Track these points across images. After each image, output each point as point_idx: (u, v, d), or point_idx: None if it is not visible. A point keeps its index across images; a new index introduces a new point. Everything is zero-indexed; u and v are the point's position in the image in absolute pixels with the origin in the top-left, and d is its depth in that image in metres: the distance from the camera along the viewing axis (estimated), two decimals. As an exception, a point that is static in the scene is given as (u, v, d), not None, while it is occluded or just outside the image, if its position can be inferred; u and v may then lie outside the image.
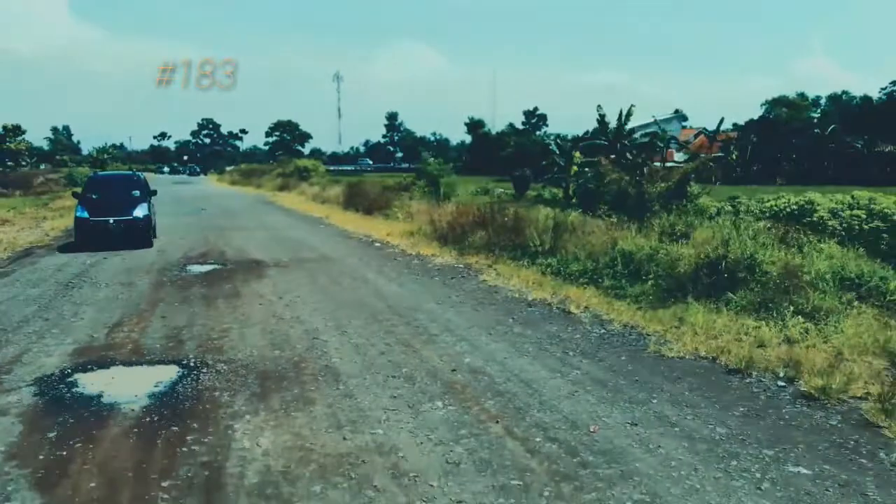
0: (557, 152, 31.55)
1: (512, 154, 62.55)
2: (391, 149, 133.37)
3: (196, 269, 13.36)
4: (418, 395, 6.12)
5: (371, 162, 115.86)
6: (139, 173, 22.21)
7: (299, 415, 5.67)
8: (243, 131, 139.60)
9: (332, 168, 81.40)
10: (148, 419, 5.60)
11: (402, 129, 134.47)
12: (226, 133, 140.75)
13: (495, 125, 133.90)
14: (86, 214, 16.56)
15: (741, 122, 63.43)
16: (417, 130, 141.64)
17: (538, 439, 5.17)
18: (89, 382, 6.52)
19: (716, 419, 5.59)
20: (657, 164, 28.88)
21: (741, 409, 5.84)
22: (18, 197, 38.02)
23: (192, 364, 7.07)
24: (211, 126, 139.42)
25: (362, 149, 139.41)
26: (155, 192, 18.76)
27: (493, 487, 4.43)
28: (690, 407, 5.86)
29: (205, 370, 6.86)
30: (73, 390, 6.30)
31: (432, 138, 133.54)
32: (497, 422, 5.51)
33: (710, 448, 5.05)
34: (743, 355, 7.04)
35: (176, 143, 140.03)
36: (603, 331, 8.38)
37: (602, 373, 6.78)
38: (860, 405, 5.86)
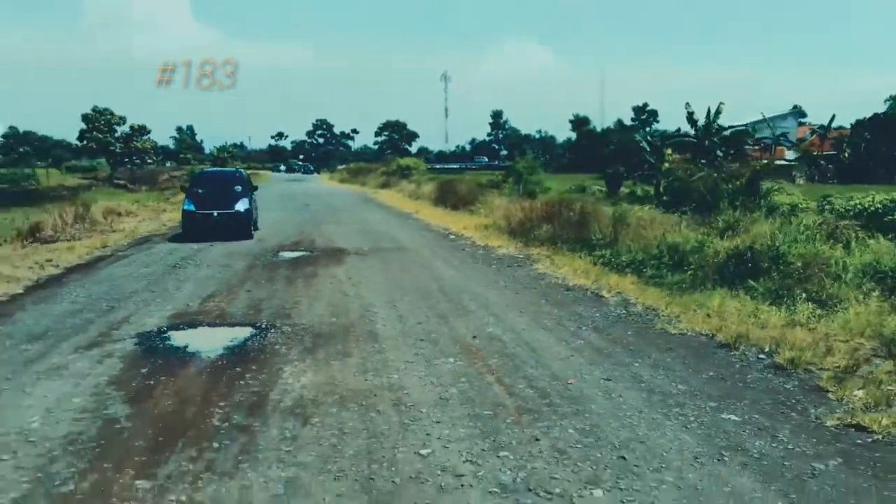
0: (648, 150, 31.86)
1: (613, 151, 62.37)
2: (496, 147, 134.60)
3: (286, 255, 15.10)
4: (437, 353, 7.38)
5: (487, 159, 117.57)
6: (241, 170, 24.33)
7: (336, 363, 7.05)
8: (354, 131, 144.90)
9: (437, 166, 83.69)
10: (219, 363, 7.14)
11: (506, 127, 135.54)
12: (338, 133, 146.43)
13: (604, 122, 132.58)
14: (192, 207, 18.49)
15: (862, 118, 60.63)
16: (523, 128, 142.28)
17: (520, 386, 6.33)
18: (179, 337, 8.17)
19: (681, 379, 6.55)
20: (763, 160, 28.69)
21: (710, 373, 6.76)
22: (144, 192, 41.84)
23: (263, 326, 8.61)
24: (325, 126, 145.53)
25: (468, 147, 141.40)
26: (256, 188, 20.72)
27: (468, 415, 5.64)
28: (665, 370, 6.84)
29: (272, 331, 8.38)
30: (166, 343, 7.95)
31: (537, 136, 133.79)
32: (492, 374, 6.70)
33: (663, 399, 6.05)
34: (737, 332, 7.86)
35: (292, 142, 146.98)
36: (624, 312, 9.34)
37: (603, 343, 7.82)
38: (822, 374, 6.64)
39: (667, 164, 28.03)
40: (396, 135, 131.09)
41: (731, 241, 11.69)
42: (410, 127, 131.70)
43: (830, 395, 6.14)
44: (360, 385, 6.37)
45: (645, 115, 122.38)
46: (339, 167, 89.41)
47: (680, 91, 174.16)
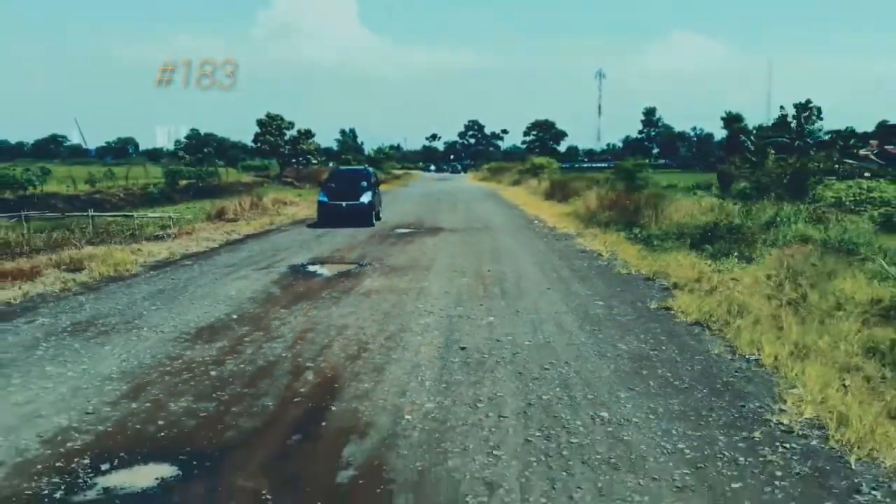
0: (752, 149, 34.80)
1: (728, 149, 63.78)
2: (647, 145, 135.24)
3: (398, 231, 20.58)
4: (458, 276, 12.43)
5: (632, 158, 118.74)
6: (370, 169, 29.03)
7: (396, 279, 12.29)
8: (504, 131, 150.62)
9: (576, 165, 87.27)
10: (331, 277, 12.59)
11: (659, 124, 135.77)
12: (489, 133, 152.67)
13: (769, 118, 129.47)
14: (326, 199, 23.41)
15: None
16: (678, 125, 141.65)
17: (494, 290, 11.23)
18: (312, 267, 13.74)
19: (594, 290, 11.17)
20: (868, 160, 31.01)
21: (616, 289, 11.30)
22: (307, 188, 49.38)
23: (363, 264, 14.02)
24: (476, 127, 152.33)
25: (619, 145, 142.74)
26: (379, 183, 26.10)
27: (454, 297, 10.62)
28: (591, 287, 11.46)
29: (367, 266, 13.77)
30: (304, 269, 13.54)
31: (692, 133, 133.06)
32: (482, 285, 11.68)
33: (573, 296, 10.73)
34: (660, 272, 12.28)
35: (445, 143, 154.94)
36: (605, 263, 13.90)
37: (569, 275, 12.53)
38: (681, 288, 11.04)
39: (769, 163, 31.17)
40: (545, 134, 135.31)
41: (710, 216, 15.72)
42: (562, 126, 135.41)
43: (670, 297, 10.47)
44: (404, 286, 11.55)
45: (807, 112, 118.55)
46: (485, 167, 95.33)
47: (860, 84, 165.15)
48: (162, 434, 5.36)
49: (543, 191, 36.16)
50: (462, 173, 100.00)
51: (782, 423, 5.41)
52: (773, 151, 32.21)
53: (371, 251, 15.99)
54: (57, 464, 4.80)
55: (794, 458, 4.83)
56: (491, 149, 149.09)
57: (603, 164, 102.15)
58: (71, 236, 17.68)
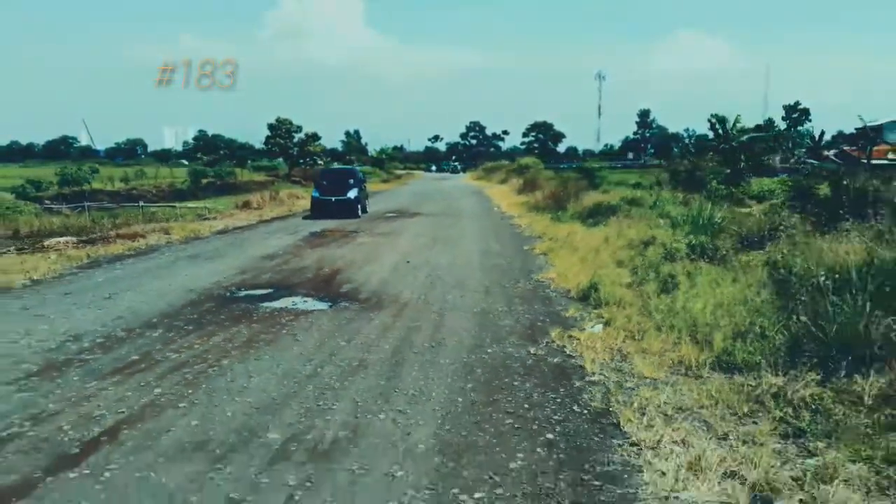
0: (693, 151, 41.92)
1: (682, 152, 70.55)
2: (644, 146, 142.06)
3: (387, 215, 27.90)
4: (420, 237, 19.73)
5: (631, 158, 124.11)
6: (356, 167, 34.36)
7: (378, 238, 19.66)
8: (505, 132, 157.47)
9: (562, 165, 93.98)
10: (336, 237, 19.96)
11: (654, 125, 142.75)
12: (490, 134, 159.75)
13: (763, 119, 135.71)
14: (318, 194, 28.70)
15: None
16: (676, 126, 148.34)
17: (440, 243, 18.57)
18: (323, 232, 21.15)
19: (502, 242, 18.42)
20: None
21: (515, 241, 18.66)
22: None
23: (357, 231, 21.43)
24: (477, 128, 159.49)
25: (617, 146, 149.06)
26: (365, 179, 32.22)
27: (412, 246, 18.03)
28: (500, 240, 18.71)
29: (360, 232, 21.15)
30: (318, 234, 20.91)
31: (685, 134, 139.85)
32: (433, 241, 19.01)
33: (487, 243, 18.11)
34: (546, 233, 19.60)
35: (447, 144, 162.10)
36: (518, 231, 21.22)
37: (492, 234, 19.89)
38: (539, 237, 18.39)
39: (700, 162, 38.13)
40: (543, 135, 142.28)
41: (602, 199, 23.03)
42: (562, 127, 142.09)
43: (538, 242, 17.76)
44: (381, 241, 18.80)
45: (797, 113, 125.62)
46: (481, 167, 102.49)
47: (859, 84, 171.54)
48: (261, 282, 12.60)
49: (517, 187, 43.36)
50: (461, 173, 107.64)
51: (537, 278, 12.72)
52: (711, 152, 39.38)
53: (364, 226, 23.35)
54: (219, 290, 11.96)
55: (531, 286, 12.06)
56: (492, 149, 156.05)
57: (596, 165, 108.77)
58: (131, 219, 24.90)
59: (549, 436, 5.56)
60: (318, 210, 27.27)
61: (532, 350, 8.07)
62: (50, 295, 11.21)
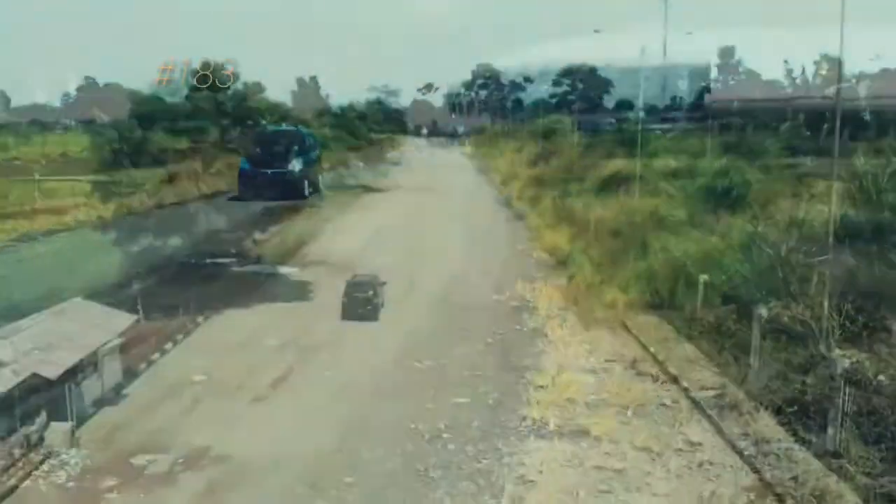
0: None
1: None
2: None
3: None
4: (415, 193, 19.35)
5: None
6: (304, 130, 26.83)
7: (367, 201, 18.91)
8: (527, 79, 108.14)
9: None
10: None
11: (740, 69, 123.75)
12: (506, 83, 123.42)
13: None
14: (247, 166, 23.62)
15: None
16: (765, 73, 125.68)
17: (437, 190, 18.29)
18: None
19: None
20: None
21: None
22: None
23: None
24: (488, 74, 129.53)
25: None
26: (318, 147, 29.12)
27: (411, 199, 17.70)
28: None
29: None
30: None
31: (785, 83, 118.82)
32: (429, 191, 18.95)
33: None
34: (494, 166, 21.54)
35: (445, 96, 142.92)
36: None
37: (481, 183, 20.47)
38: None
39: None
40: (583, 83, 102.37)
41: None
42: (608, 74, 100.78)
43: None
44: (371, 200, 18.31)
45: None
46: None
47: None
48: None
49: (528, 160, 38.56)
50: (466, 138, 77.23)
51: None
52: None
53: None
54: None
55: (486, 203, 20.47)
56: (510, 104, 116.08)
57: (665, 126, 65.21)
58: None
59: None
60: (247, 187, 20.86)
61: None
62: None
